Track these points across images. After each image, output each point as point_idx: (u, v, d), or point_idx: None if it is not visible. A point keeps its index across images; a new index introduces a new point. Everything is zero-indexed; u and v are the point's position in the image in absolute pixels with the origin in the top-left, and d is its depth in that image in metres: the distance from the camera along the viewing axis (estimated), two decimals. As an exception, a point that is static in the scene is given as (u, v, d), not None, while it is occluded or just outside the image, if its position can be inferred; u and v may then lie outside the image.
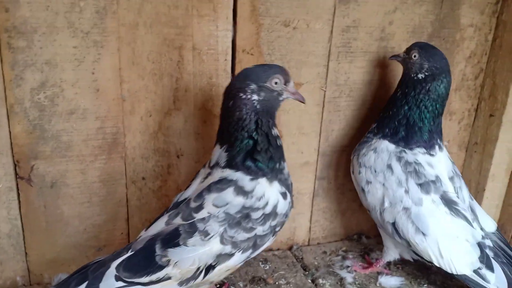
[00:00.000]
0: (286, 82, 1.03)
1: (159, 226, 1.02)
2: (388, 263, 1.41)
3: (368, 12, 1.33)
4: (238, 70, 1.23)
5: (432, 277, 1.37)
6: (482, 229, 1.23)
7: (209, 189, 1.01)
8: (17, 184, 1.17)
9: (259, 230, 1.02)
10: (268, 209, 1.02)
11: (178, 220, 1.00)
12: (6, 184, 1.16)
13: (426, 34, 1.42)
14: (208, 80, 1.24)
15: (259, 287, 1.30)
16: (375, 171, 1.24)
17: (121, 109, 1.19)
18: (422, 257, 1.24)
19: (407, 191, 1.20)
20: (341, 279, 1.34)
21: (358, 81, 1.40)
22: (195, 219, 0.99)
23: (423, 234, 1.19)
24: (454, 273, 1.18)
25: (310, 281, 1.34)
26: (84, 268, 0.99)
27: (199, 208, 0.99)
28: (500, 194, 1.57)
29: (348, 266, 1.40)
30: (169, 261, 0.95)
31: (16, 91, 1.10)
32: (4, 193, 1.17)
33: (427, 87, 1.22)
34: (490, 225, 1.26)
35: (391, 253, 1.34)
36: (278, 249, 1.50)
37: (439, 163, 1.25)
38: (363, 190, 1.28)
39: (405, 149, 1.24)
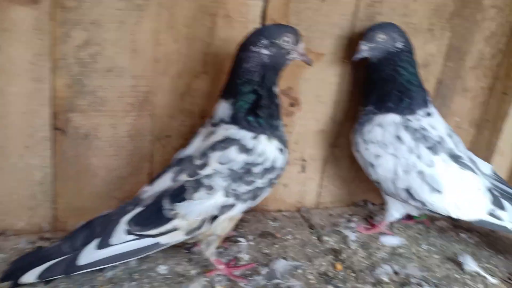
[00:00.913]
0: (297, 42, 1.08)
1: (165, 182, 1.08)
2: (391, 226, 1.50)
3: (393, -11, 1.36)
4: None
5: (431, 239, 1.47)
6: (483, 174, 1.33)
7: (213, 148, 1.07)
8: (53, 135, 1.23)
9: (259, 183, 1.10)
10: (267, 164, 1.10)
11: (183, 177, 1.06)
12: (42, 134, 1.22)
13: (447, 12, 1.46)
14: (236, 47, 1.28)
15: (268, 240, 1.38)
16: (385, 144, 1.31)
17: (154, 69, 1.24)
18: (437, 213, 1.33)
19: (419, 156, 1.28)
20: (345, 237, 1.43)
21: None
22: (200, 176, 1.05)
23: (439, 192, 1.27)
24: (472, 219, 1.29)
25: (315, 237, 1.43)
26: (90, 222, 1.06)
27: (204, 165, 1.06)
28: (508, 168, 1.67)
29: (352, 227, 1.49)
30: (177, 214, 1.03)
31: (62, 47, 1.15)
32: (39, 143, 1.22)
33: (409, 49, 1.31)
34: (487, 169, 1.36)
35: (394, 214, 1.43)
36: (287, 210, 1.58)
37: (438, 123, 1.33)
38: (371, 164, 1.34)
39: (409, 117, 1.30)
